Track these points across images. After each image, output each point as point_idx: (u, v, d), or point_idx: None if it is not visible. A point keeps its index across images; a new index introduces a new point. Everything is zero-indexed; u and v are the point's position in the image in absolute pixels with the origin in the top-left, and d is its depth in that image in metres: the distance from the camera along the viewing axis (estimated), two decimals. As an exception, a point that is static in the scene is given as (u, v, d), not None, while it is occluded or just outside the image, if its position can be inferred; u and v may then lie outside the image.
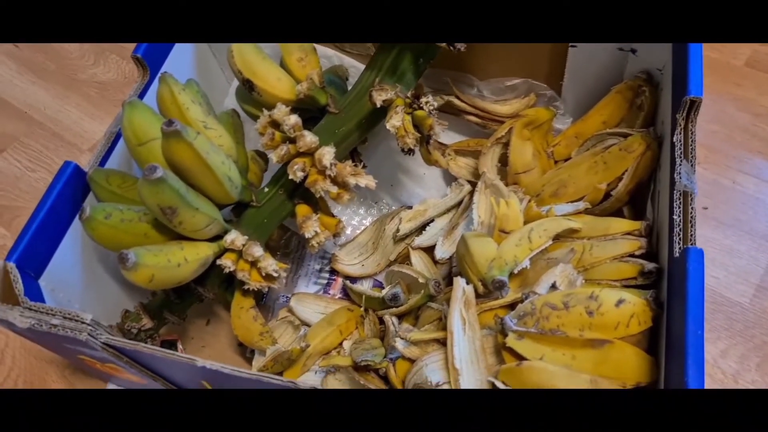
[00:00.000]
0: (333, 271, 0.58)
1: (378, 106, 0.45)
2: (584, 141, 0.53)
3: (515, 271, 0.43)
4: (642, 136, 0.47)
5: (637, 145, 0.47)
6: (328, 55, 0.62)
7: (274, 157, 0.47)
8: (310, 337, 0.51)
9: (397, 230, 0.55)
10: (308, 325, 0.54)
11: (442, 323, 0.45)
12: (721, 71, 0.67)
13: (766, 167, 0.60)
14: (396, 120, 0.45)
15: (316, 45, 0.60)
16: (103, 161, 0.48)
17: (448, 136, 0.61)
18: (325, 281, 0.58)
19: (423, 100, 0.46)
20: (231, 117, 0.55)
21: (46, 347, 0.49)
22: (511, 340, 0.38)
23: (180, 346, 0.56)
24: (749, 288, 0.54)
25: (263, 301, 0.57)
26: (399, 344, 0.44)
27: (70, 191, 0.46)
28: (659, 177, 0.46)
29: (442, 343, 0.43)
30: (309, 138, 0.45)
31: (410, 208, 0.57)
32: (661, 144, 0.47)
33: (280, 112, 0.46)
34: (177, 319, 0.52)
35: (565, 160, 0.55)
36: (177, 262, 0.43)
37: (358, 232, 0.60)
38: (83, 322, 0.37)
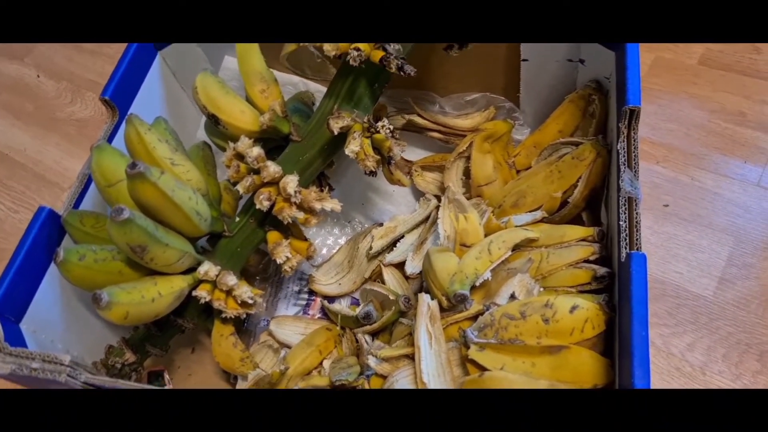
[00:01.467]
0: (312, 292, 0.60)
1: (336, 133, 0.47)
2: (542, 150, 0.55)
3: (477, 284, 0.44)
4: (592, 144, 0.49)
5: (588, 153, 0.49)
6: (294, 81, 0.64)
7: (240, 188, 0.48)
8: (290, 359, 0.52)
9: (370, 248, 0.57)
10: (289, 347, 0.55)
11: (412, 338, 0.46)
12: (675, 71, 0.69)
13: (724, 162, 0.62)
14: (354, 145, 0.46)
15: (281, 73, 0.62)
16: (77, 203, 0.50)
17: (413, 153, 0.63)
18: (304, 302, 0.60)
19: (380, 124, 0.48)
20: (201, 150, 0.57)
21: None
22: (473, 352, 0.40)
23: (167, 377, 0.58)
24: (712, 281, 0.56)
25: (245, 326, 0.59)
26: (371, 361, 0.45)
27: (46, 234, 0.48)
28: (611, 182, 0.48)
29: (412, 358, 0.44)
30: (272, 168, 0.47)
31: (382, 225, 0.59)
32: (611, 151, 0.49)
33: (243, 144, 0.48)
34: (159, 351, 0.53)
35: (526, 169, 0.57)
36: (151, 297, 0.44)
37: (334, 251, 0.62)
38: (62, 364, 0.39)
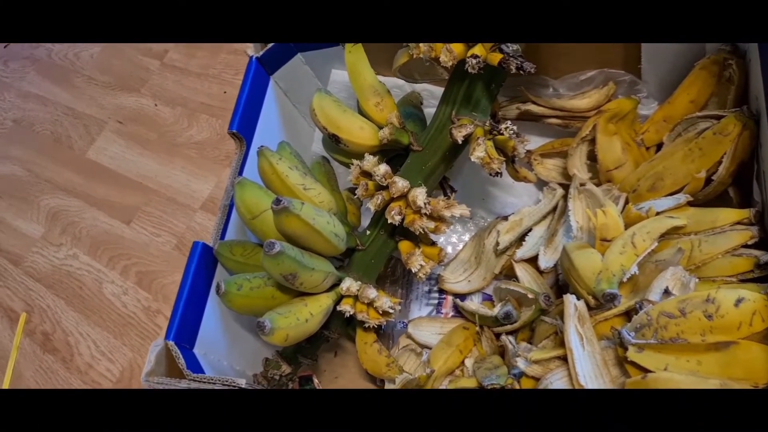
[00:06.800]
0: (442, 291, 0.61)
1: (460, 142, 0.46)
2: (674, 125, 0.52)
3: (624, 280, 0.43)
4: (736, 117, 0.45)
5: (732, 126, 0.45)
6: (399, 84, 0.64)
7: (371, 206, 0.50)
8: (433, 361, 0.54)
9: (497, 243, 0.57)
10: (428, 348, 0.57)
11: (559, 338, 0.46)
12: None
13: None
14: (479, 151, 0.46)
15: (385, 78, 0.62)
16: (222, 233, 0.54)
17: (531, 141, 0.61)
18: (436, 301, 0.61)
19: (503, 126, 0.47)
20: (322, 166, 0.59)
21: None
22: (632, 354, 0.39)
23: (316, 380, 0.62)
24: None
25: (382, 330, 0.61)
26: (520, 364, 0.46)
27: (203, 266, 0.52)
28: (762, 156, 0.45)
29: (563, 359, 0.44)
30: (400, 184, 0.48)
31: (505, 218, 0.59)
32: (759, 121, 0.45)
33: (370, 163, 0.49)
34: (310, 361, 0.57)
35: (657, 146, 0.54)
36: (305, 318, 0.47)
37: (459, 249, 0.62)
38: (240, 387, 0.43)
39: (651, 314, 0.40)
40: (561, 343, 0.44)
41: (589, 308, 0.44)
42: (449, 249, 0.63)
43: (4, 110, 1.06)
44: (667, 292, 0.41)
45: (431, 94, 0.65)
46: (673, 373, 0.38)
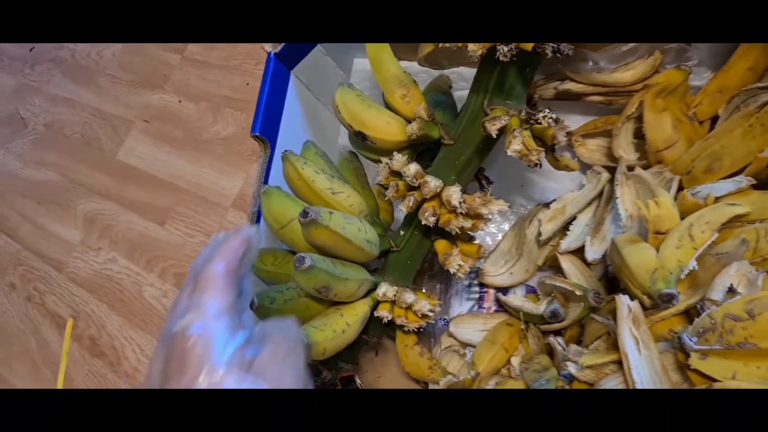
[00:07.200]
0: (483, 284, 0.59)
1: (495, 137, 0.43)
2: (731, 97, 0.47)
3: (682, 277, 0.40)
4: (805, 87, 0.41)
5: (800, 99, 0.41)
6: (425, 68, 0.61)
7: (402, 208, 0.47)
8: (477, 361, 0.52)
9: (539, 234, 0.54)
10: (472, 346, 0.55)
11: (612, 338, 0.43)
12: None
13: None
14: (516, 144, 0.43)
15: (410, 63, 0.59)
16: (252, 242, 0.52)
17: (571, 120, 0.58)
18: (477, 295, 0.59)
19: (541, 115, 0.43)
20: (351, 162, 0.57)
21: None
22: (694, 361, 0.36)
23: (358, 381, 0.61)
24: None
25: (422, 330, 0.59)
26: (572, 369, 0.43)
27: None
28: (837, 130, 0.40)
29: (618, 363, 0.41)
30: (433, 183, 0.45)
31: (547, 206, 0.55)
32: (833, 91, 0.40)
33: (399, 163, 0.47)
34: (351, 365, 0.55)
35: (712, 119, 0.50)
36: (341, 329, 0.46)
37: (499, 239, 0.59)
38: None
39: (714, 317, 0.36)
40: (614, 345, 0.42)
41: (644, 308, 0.41)
42: (488, 239, 0.60)
43: (35, 115, 1.06)
44: (731, 291, 0.38)
45: (460, 76, 0.61)
46: (742, 381, 0.35)
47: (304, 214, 0.41)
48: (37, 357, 0.81)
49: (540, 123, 0.44)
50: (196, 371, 0.25)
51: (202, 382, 0.25)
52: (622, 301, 0.40)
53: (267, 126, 0.55)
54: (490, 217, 0.49)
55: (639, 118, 0.51)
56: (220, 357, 0.26)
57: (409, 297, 0.48)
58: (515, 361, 0.52)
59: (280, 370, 0.28)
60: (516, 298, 0.54)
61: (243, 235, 0.32)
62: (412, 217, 0.51)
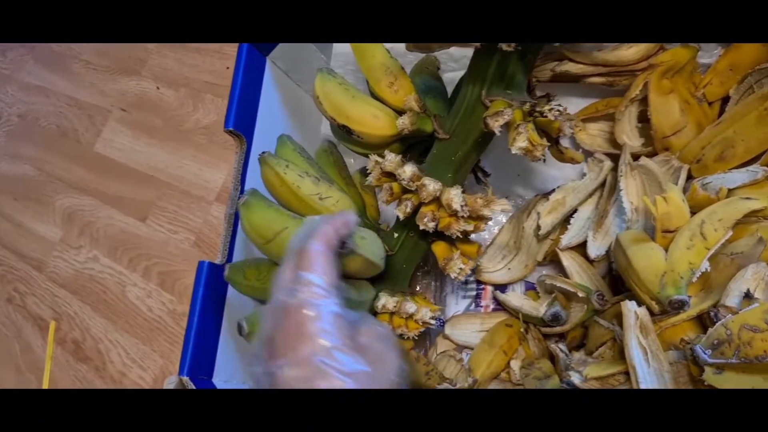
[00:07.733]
0: (479, 280, 0.56)
1: (498, 133, 0.39)
2: (743, 76, 0.43)
3: (693, 280, 0.36)
4: (829, 67, 0.37)
5: (824, 80, 0.37)
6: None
7: (398, 213, 0.43)
8: (475, 366, 0.49)
9: (538, 227, 0.50)
10: (469, 348, 0.52)
11: (617, 345, 0.40)
12: None
13: None
14: (521, 141, 0.38)
15: (392, 45, 0.54)
16: (230, 248, 0.49)
17: (571, 103, 0.53)
18: (474, 292, 0.56)
19: (546, 108, 0.39)
20: (330, 154, 0.53)
21: None
22: (709, 376, 0.33)
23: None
24: None
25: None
26: (575, 379, 0.40)
27: (211, 288, 0.47)
28: None
29: (625, 374, 0.38)
30: (432, 187, 0.41)
31: (546, 196, 0.52)
32: None
33: (393, 163, 0.43)
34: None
35: (723, 100, 0.46)
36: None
37: (495, 232, 0.56)
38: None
39: (730, 327, 0.33)
40: (620, 353, 0.39)
41: (652, 313, 0.38)
42: (485, 234, 0.57)
43: (8, 105, 1.02)
44: (747, 296, 0.35)
45: (450, 56, 0.57)
46: (763, 398, 0.32)
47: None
48: (21, 362, 0.78)
49: (545, 116, 0.40)
50: (311, 345, 0.27)
51: (316, 356, 0.27)
52: (629, 307, 0.37)
53: (242, 119, 0.51)
54: (492, 217, 0.45)
55: (643, 101, 0.47)
56: (331, 335, 0.28)
57: (411, 307, 0.45)
58: (515, 364, 0.49)
59: (383, 349, 0.30)
60: (515, 297, 0.51)
61: (342, 218, 0.34)
62: (406, 220, 0.47)
